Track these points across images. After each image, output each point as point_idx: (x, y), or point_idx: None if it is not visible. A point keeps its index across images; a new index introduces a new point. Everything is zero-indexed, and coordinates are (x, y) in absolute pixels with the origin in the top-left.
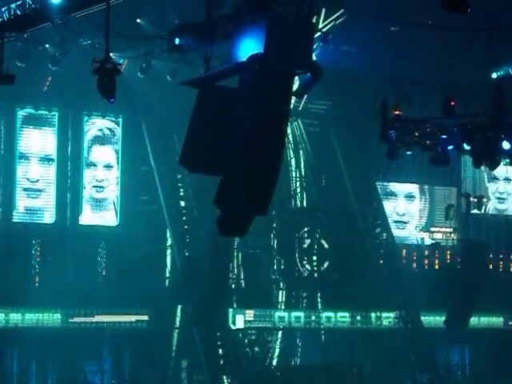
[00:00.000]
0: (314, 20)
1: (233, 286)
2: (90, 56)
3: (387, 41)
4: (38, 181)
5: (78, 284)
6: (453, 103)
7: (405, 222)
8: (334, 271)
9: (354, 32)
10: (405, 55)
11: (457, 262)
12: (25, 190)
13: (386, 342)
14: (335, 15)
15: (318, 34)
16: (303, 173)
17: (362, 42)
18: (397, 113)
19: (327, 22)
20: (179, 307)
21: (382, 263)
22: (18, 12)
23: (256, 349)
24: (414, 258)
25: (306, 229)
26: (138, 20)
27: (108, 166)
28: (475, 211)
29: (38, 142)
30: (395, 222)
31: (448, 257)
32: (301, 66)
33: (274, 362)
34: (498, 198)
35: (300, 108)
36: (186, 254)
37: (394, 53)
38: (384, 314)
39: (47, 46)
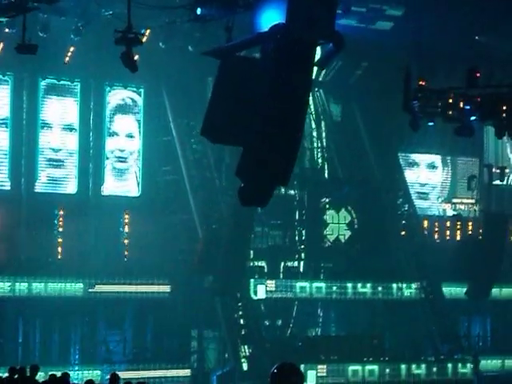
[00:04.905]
0: None
1: (254, 256)
2: (111, 26)
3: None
4: (60, 150)
5: (100, 254)
6: (478, 74)
7: (427, 193)
8: (356, 242)
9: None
10: (429, 24)
11: (479, 233)
12: (47, 160)
13: (407, 313)
14: None
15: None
16: (325, 144)
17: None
18: (421, 83)
19: None
20: (201, 277)
21: (403, 234)
22: None
23: (277, 319)
24: (436, 229)
25: (327, 200)
26: None
27: (130, 136)
28: (497, 182)
29: (60, 111)
30: (417, 193)
31: (470, 228)
32: (323, 36)
33: (295, 332)
34: None
35: (321, 79)
36: (208, 224)
37: (419, 22)
38: (405, 285)
39: (69, 16)
